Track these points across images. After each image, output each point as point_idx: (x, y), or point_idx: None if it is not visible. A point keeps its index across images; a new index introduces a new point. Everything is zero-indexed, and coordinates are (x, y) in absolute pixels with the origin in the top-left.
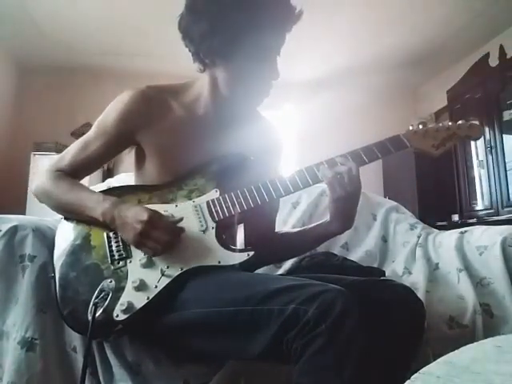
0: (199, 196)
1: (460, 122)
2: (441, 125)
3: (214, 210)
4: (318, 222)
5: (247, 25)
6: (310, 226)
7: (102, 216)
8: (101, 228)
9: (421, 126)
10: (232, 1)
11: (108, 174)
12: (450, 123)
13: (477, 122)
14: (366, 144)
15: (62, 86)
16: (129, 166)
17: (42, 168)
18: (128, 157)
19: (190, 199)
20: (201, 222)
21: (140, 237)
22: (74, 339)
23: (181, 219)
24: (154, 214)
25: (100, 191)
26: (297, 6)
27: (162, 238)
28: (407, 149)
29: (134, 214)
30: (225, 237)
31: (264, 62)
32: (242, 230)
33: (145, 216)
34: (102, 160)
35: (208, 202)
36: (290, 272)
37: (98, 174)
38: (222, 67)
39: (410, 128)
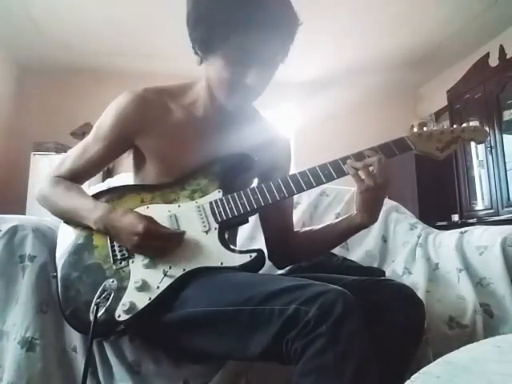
0: (202, 196)
1: (465, 124)
2: (445, 127)
3: (216, 210)
4: (342, 217)
5: (242, 22)
6: (335, 221)
7: (94, 225)
8: None
9: (425, 128)
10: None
11: (108, 173)
12: (454, 126)
13: (482, 126)
14: (369, 145)
15: (62, 86)
16: (129, 166)
17: (42, 170)
18: (128, 157)
19: (193, 199)
20: (203, 222)
21: (137, 248)
22: (74, 339)
23: (182, 232)
24: (149, 225)
25: (102, 191)
26: (300, 17)
27: (161, 247)
28: (411, 151)
29: (128, 225)
30: (227, 238)
31: (250, 68)
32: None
33: (140, 228)
34: (101, 164)
35: (211, 203)
36: (290, 272)
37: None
38: (208, 62)
39: (415, 130)
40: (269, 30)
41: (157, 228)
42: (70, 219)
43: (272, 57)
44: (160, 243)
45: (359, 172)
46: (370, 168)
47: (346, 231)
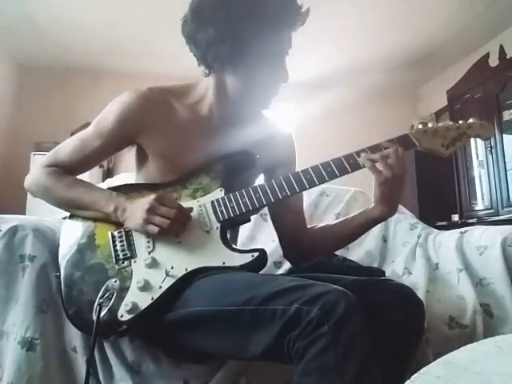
0: (204, 195)
1: (471, 120)
2: (451, 124)
3: (218, 209)
4: (359, 211)
5: (255, 31)
6: (350, 215)
7: (114, 210)
8: (105, 226)
9: (430, 125)
10: (239, 8)
11: (108, 174)
12: (460, 122)
13: (486, 122)
14: (370, 144)
15: (62, 86)
16: (129, 166)
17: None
18: (128, 156)
19: (195, 198)
20: (205, 221)
21: (147, 213)
22: (74, 339)
23: (190, 209)
24: (161, 193)
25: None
26: (303, 4)
27: (169, 213)
28: (416, 148)
29: (143, 200)
30: (229, 237)
31: (273, 66)
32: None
33: (152, 196)
34: (99, 159)
35: (213, 202)
36: (290, 272)
37: (98, 174)
38: (231, 72)
39: (420, 126)
40: (286, 28)
41: (166, 195)
42: (81, 207)
43: (287, 48)
44: (169, 210)
45: (376, 164)
46: (388, 160)
47: (363, 225)
